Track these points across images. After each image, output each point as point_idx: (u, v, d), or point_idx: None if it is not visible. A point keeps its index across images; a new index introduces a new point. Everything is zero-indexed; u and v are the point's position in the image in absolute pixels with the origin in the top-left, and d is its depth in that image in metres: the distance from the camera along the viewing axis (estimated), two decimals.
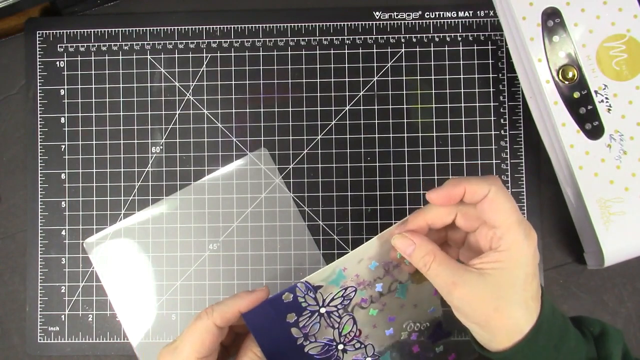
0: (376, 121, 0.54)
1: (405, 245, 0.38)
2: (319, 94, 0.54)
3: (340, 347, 0.41)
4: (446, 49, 0.54)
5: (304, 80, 0.54)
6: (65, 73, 0.55)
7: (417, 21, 0.54)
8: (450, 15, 0.54)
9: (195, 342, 0.38)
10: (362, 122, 0.54)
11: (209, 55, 0.55)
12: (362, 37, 0.54)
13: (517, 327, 0.37)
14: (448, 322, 0.44)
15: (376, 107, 0.54)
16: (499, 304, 0.36)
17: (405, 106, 0.54)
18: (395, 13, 0.54)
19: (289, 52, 0.54)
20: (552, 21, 0.47)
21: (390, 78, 0.54)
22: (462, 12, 0.54)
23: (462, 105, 0.54)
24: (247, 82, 0.54)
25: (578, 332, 0.40)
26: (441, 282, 0.37)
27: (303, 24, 0.54)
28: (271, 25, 0.54)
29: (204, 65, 0.55)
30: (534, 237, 0.37)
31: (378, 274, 0.41)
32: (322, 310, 0.40)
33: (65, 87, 0.55)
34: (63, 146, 0.55)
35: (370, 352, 0.42)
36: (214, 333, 0.39)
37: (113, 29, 0.55)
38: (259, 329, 0.39)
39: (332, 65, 0.54)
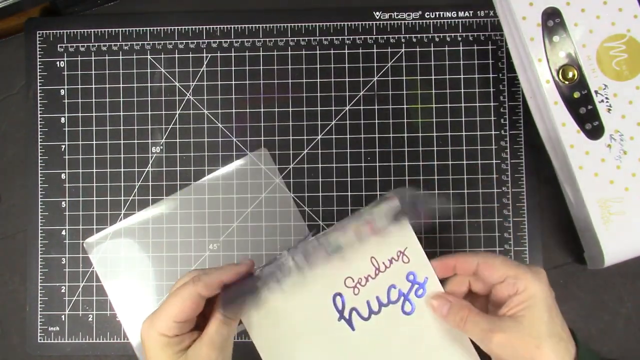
0: (376, 121, 0.54)
1: (441, 304, 0.42)
2: (319, 94, 0.54)
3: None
4: (446, 49, 0.54)
5: (304, 80, 0.54)
6: (65, 73, 0.55)
7: (417, 21, 0.54)
8: (450, 15, 0.54)
9: (176, 307, 0.39)
10: (362, 122, 0.54)
11: (209, 55, 0.55)
12: (362, 37, 0.54)
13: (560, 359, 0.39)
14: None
15: (376, 107, 0.54)
16: (539, 342, 0.38)
17: (405, 106, 0.54)
18: (395, 13, 0.54)
19: (289, 52, 0.54)
20: (552, 21, 0.47)
21: (390, 78, 0.54)
22: (462, 12, 0.54)
23: (462, 105, 0.53)
24: (247, 82, 0.54)
25: None
26: (479, 331, 0.40)
27: (303, 24, 0.54)
28: (271, 25, 0.54)
29: (204, 65, 0.55)
30: (541, 271, 0.40)
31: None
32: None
33: (65, 87, 0.55)
34: (63, 146, 0.55)
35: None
36: (196, 301, 0.39)
37: (113, 29, 0.55)
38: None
39: (332, 65, 0.54)
